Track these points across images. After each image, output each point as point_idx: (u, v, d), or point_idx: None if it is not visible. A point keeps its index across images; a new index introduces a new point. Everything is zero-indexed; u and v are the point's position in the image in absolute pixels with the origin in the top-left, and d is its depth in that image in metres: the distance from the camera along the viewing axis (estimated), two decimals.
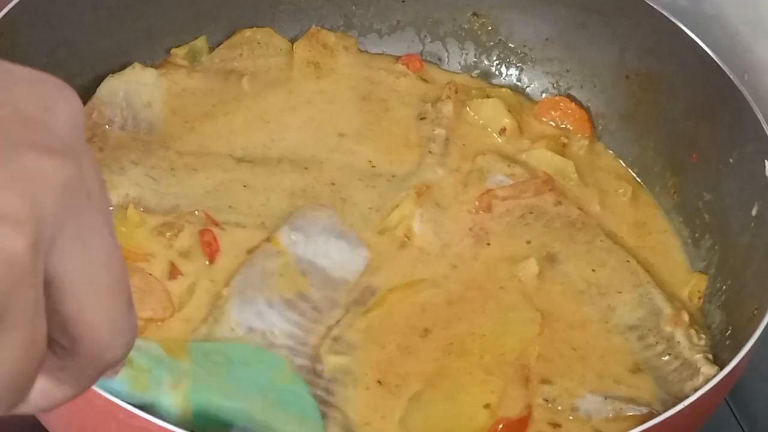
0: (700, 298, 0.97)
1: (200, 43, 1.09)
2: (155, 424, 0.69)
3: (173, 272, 0.91)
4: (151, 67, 1.05)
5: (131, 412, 0.69)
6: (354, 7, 1.14)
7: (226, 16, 1.10)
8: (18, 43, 0.95)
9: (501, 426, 0.84)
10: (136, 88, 1.03)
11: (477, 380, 0.86)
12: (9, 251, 0.45)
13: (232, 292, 0.89)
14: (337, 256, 0.94)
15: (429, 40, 1.15)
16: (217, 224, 0.94)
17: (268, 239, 0.93)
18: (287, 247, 0.93)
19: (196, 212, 0.94)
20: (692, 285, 0.98)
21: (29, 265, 0.46)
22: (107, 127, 1.00)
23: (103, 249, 0.49)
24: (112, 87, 1.02)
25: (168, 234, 0.93)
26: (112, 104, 1.01)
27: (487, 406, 0.84)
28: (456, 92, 1.09)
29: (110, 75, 1.03)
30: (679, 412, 0.76)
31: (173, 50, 1.09)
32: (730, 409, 1.04)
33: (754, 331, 0.82)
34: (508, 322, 0.91)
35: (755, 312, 0.86)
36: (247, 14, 1.11)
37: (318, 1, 1.13)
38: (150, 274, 0.90)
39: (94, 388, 0.69)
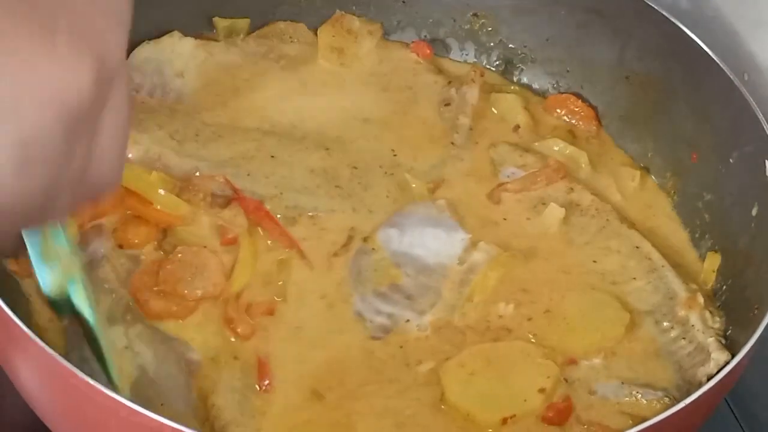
0: (714, 276, 0.97)
1: (242, 23, 1.10)
2: (156, 421, 0.69)
3: (225, 237, 0.93)
4: (190, 36, 1.06)
5: (132, 409, 0.69)
6: (354, 7, 1.14)
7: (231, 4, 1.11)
8: None
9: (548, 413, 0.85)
10: (171, 57, 1.04)
11: (534, 363, 0.87)
12: (79, 85, 0.55)
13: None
14: (433, 244, 0.96)
15: (429, 40, 1.15)
16: (236, 190, 0.95)
17: (364, 239, 0.95)
18: (382, 244, 0.95)
19: (216, 178, 0.95)
20: (706, 265, 0.98)
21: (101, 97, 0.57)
22: (135, 92, 1.00)
23: (129, 111, 0.61)
24: (146, 54, 1.03)
25: (200, 196, 0.94)
26: (143, 71, 1.02)
27: (541, 390, 0.85)
28: (482, 75, 1.09)
29: (146, 41, 1.04)
30: (677, 411, 0.76)
31: (216, 19, 1.09)
32: (730, 409, 1.04)
33: (754, 331, 0.82)
34: (596, 317, 0.92)
35: (755, 312, 0.86)
36: (249, 7, 1.11)
37: (318, 2, 1.13)
38: (205, 247, 0.91)
39: (95, 384, 0.69)
